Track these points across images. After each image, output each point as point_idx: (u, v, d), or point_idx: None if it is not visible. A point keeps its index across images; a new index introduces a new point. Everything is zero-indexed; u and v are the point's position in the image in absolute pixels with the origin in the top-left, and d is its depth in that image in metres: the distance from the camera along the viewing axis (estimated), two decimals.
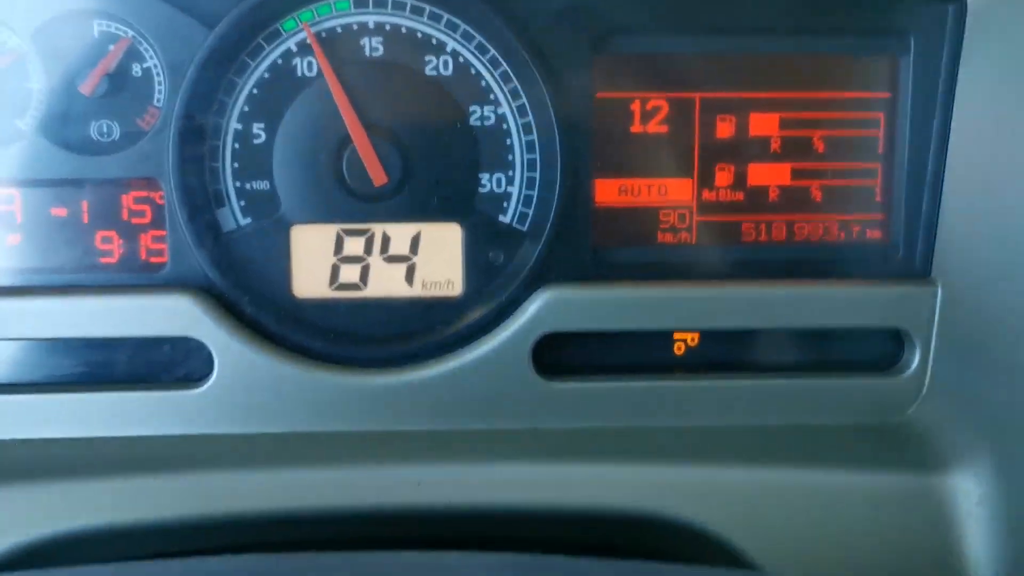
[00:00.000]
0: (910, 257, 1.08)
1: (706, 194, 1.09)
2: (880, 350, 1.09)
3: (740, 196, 1.09)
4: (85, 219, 1.04)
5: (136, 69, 1.02)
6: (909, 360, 1.07)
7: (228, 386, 1.02)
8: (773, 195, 1.09)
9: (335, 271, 1.06)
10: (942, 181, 1.05)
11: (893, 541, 0.94)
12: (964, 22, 1.03)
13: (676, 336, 1.10)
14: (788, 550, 0.94)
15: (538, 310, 1.03)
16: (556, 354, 1.06)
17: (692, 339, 1.10)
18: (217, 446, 1.00)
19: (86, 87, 1.01)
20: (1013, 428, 0.93)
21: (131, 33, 1.01)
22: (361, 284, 1.06)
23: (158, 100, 1.02)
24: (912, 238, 1.08)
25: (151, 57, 1.02)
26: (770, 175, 1.09)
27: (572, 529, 0.98)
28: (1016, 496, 0.92)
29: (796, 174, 1.09)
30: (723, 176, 1.09)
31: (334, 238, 1.05)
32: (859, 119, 1.09)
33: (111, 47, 1.01)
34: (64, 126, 1.02)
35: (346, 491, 0.96)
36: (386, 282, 1.06)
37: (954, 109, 1.04)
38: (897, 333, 1.08)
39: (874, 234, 1.10)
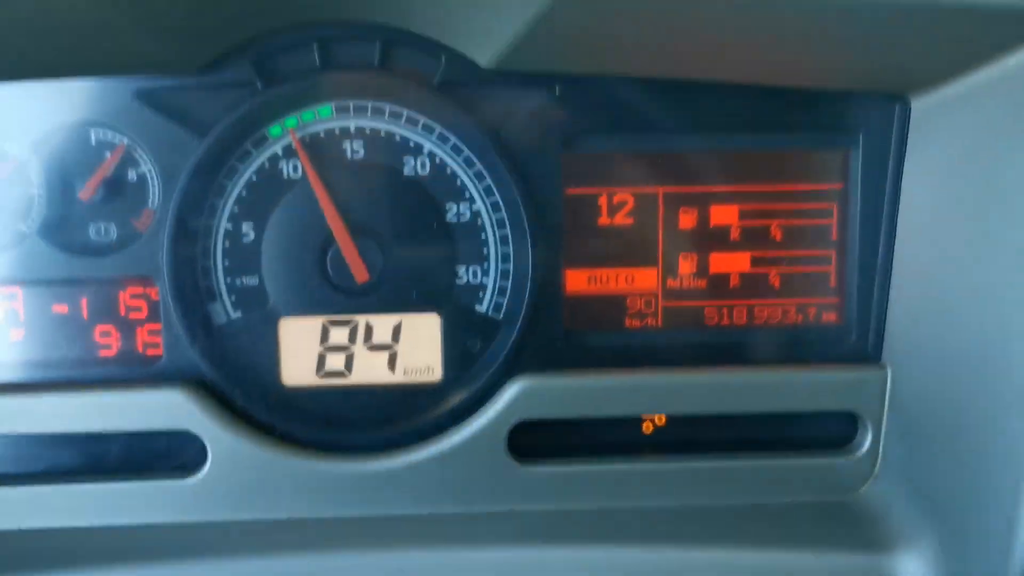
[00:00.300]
0: (863, 341, 1.15)
1: (670, 282, 1.15)
2: (835, 431, 1.15)
3: (703, 283, 1.16)
4: (85, 315, 1.10)
5: (131, 174, 1.08)
6: (861, 441, 1.13)
7: (221, 475, 1.08)
8: (734, 281, 1.16)
9: (321, 360, 1.12)
10: (890, 269, 1.12)
11: None
12: (908, 121, 1.10)
13: (645, 418, 1.16)
14: None
15: (513, 398, 1.09)
16: (530, 438, 1.12)
17: (660, 420, 1.17)
18: (211, 534, 1.06)
19: (84, 192, 1.07)
20: (955, 511, 0.99)
21: (126, 141, 1.07)
22: (346, 371, 1.12)
23: (153, 203, 1.09)
24: (864, 323, 1.14)
25: (145, 163, 1.08)
26: (731, 263, 1.16)
27: None
28: None
29: (755, 261, 1.16)
30: (686, 264, 1.15)
31: (320, 329, 1.11)
32: (814, 209, 1.15)
33: (108, 154, 1.07)
34: (64, 229, 1.08)
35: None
36: (370, 369, 1.12)
37: (900, 201, 1.11)
38: (852, 415, 1.14)
39: (830, 317, 1.17)
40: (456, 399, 1.12)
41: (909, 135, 1.10)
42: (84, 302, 1.10)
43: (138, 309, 1.11)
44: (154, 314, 1.10)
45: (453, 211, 1.11)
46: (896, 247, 1.12)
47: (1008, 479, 0.90)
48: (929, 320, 1.07)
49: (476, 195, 1.11)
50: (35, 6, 0.85)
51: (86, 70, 1.03)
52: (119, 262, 1.09)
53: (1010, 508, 0.90)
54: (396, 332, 1.12)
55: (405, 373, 1.13)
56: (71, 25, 0.91)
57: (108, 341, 1.11)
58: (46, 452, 1.11)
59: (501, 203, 1.11)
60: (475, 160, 1.10)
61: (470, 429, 1.10)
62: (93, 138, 1.08)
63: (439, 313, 1.12)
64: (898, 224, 1.11)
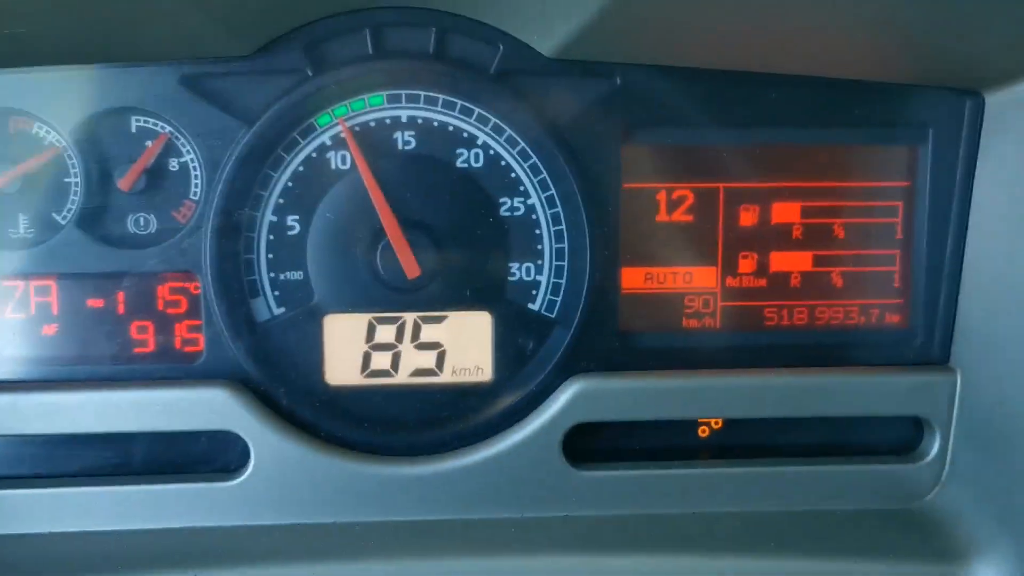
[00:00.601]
0: (928, 344, 1.11)
1: (730, 281, 1.11)
2: (899, 436, 1.12)
3: (763, 282, 1.12)
4: (121, 310, 1.06)
5: (173, 164, 1.04)
6: (928, 447, 1.09)
7: (264, 477, 1.03)
8: (795, 281, 1.12)
9: (367, 359, 1.08)
10: (960, 270, 1.08)
11: None
12: (982, 117, 1.06)
13: (701, 422, 1.12)
14: None
15: (569, 400, 1.05)
16: (585, 441, 1.08)
17: (716, 423, 1.13)
18: (252, 538, 1.02)
19: (124, 182, 1.03)
20: None
21: (168, 129, 1.03)
22: (392, 371, 1.08)
23: (195, 194, 1.04)
24: (931, 325, 1.11)
25: (188, 152, 1.04)
26: (792, 262, 1.12)
27: None
28: None
29: (817, 261, 1.12)
30: (746, 263, 1.11)
31: (366, 326, 1.07)
32: (879, 207, 1.11)
33: (149, 143, 1.03)
34: (102, 220, 1.04)
35: None
36: (417, 369, 1.08)
37: (972, 200, 1.07)
38: (917, 420, 1.10)
39: (893, 319, 1.13)
40: (508, 400, 1.08)
41: (983, 132, 1.06)
42: (120, 296, 1.06)
43: (176, 304, 1.06)
44: (194, 310, 1.06)
45: (507, 205, 1.07)
46: (967, 248, 1.08)
47: None
48: (1002, 323, 1.03)
49: (531, 189, 1.07)
50: (87, 7, 0.81)
51: (131, 56, 0.99)
52: (158, 256, 1.05)
53: None
54: (445, 331, 1.08)
55: (454, 373, 1.08)
56: (119, 9, 0.86)
57: (145, 337, 1.06)
58: (80, 452, 1.07)
59: (557, 198, 1.07)
60: (531, 153, 1.06)
61: (524, 431, 1.06)
62: (134, 126, 1.03)
63: (490, 311, 1.08)
64: (969, 224, 1.07)
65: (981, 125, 1.06)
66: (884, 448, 1.12)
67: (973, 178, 1.07)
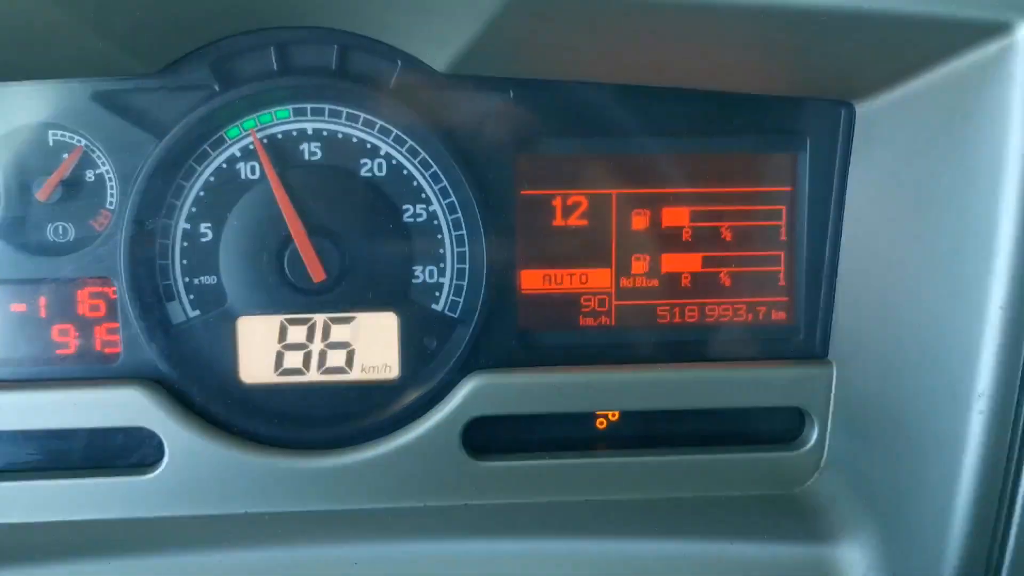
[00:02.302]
0: (810, 339, 1.18)
1: (624, 281, 1.18)
2: (783, 426, 1.19)
3: (655, 282, 1.18)
4: (43, 314, 1.11)
5: (89, 175, 1.09)
6: (808, 435, 1.16)
7: (178, 471, 1.09)
8: (685, 281, 1.19)
9: (279, 358, 1.13)
10: (836, 269, 1.15)
11: None
12: (853, 125, 1.13)
13: (598, 414, 1.19)
14: None
15: (468, 395, 1.11)
16: (484, 434, 1.14)
17: (613, 415, 1.19)
18: (168, 529, 1.07)
19: (42, 193, 1.08)
20: (895, 503, 1.02)
21: (84, 142, 1.08)
22: (304, 369, 1.14)
23: (110, 204, 1.10)
24: (812, 321, 1.17)
25: (103, 164, 1.09)
26: (682, 263, 1.18)
27: None
28: (899, 566, 1.02)
29: (706, 261, 1.19)
30: (639, 265, 1.18)
31: (278, 327, 1.13)
32: (763, 211, 1.18)
33: (65, 155, 1.08)
34: (21, 229, 1.09)
35: (288, 570, 1.03)
36: (328, 367, 1.14)
37: (846, 203, 1.14)
38: (799, 410, 1.17)
39: (779, 316, 1.20)
40: (412, 396, 1.14)
41: (854, 139, 1.13)
42: (42, 301, 1.11)
43: (96, 308, 1.12)
44: (112, 313, 1.11)
45: (410, 212, 1.13)
46: (842, 248, 1.15)
47: (942, 474, 0.93)
48: (872, 319, 1.10)
49: (432, 196, 1.13)
50: (4, 10, 0.86)
51: (43, 73, 1.04)
52: (77, 262, 1.10)
53: (943, 501, 0.93)
54: (354, 330, 1.14)
55: (363, 371, 1.14)
56: (27, 29, 0.92)
57: (66, 340, 1.12)
58: (5, 448, 1.12)
59: (457, 204, 1.13)
60: (431, 162, 1.12)
61: (426, 425, 1.12)
62: (51, 139, 1.08)
63: (396, 312, 1.14)
64: (844, 225, 1.14)
65: (853, 133, 1.13)
66: (768, 437, 1.19)
67: (847, 182, 1.14)
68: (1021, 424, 0.90)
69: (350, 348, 1.14)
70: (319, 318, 1.13)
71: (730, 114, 1.15)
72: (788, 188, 1.17)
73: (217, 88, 1.07)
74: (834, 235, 1.15)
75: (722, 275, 1.19)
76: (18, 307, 1.11)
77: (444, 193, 1.13)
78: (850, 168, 1.13)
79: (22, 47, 0.97)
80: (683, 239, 1.18)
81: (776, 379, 1.16)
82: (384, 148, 1.12)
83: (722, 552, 1.07)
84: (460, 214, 1.13)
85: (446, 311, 1.15)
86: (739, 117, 1.15)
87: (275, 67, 1.08)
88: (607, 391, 1.14)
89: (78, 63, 1.02)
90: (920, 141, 1.01)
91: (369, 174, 1.12)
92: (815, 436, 1.16)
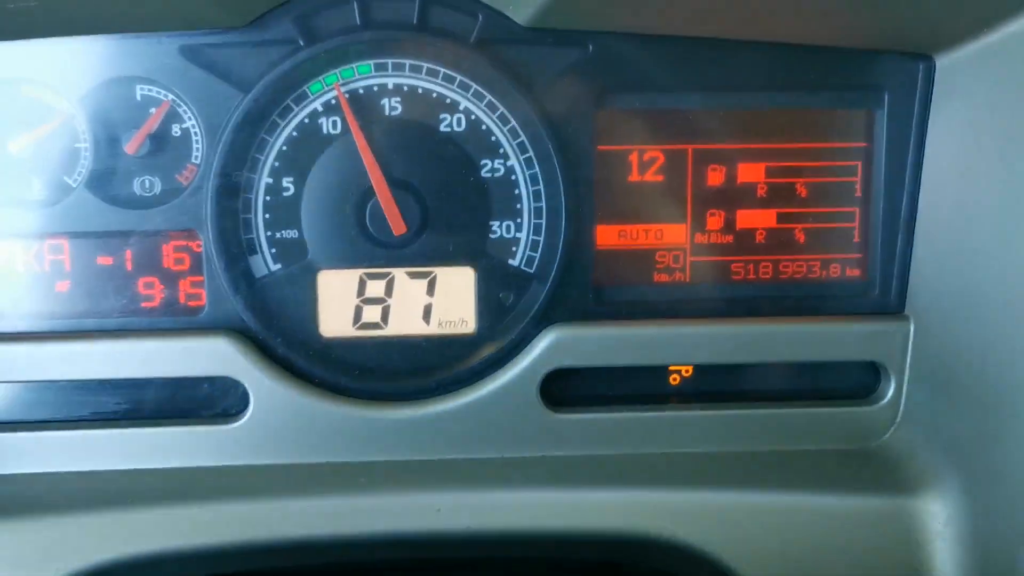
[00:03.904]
0: (886, 294, 1.18)
1: (699, 237, 1.18)
2: (858, 381, 1.19)
3: (730, 239, 1.19)
4: (129, 267, 1.13)
5: (176, 130, 1.11)
6: (884, 390, 1.16)
7: (262, 421, 1.11)
8: (760, 237, 1.19)
9: (358, 312, 1.15)
10: (914, 224, 1.15)
11: (868, 559, 1.04)
12: (933, 79, 1.12)
13: (671, 368, 1.20)
14: (773, 568, 1.03)
15: (545, 348, 1.13)
16: (562, 386, 1.15)
17: (686, 371, 1.20)
18: (252, 477, 1.10)
19: (130, 147, 1.10)
20: (977, 454, 1.03)
21: (171, 97, 1.10)
22: (382, 323, 1.16)
23: (196, 158, 1.12)
24: (887, 276, 1.18)
25: (189, 119, 1.11)
26: (757, 219, 1.19)
27: (580, 549, 1.08)
28: (980, 517, 1.02)
29: (781, 218, 1.19)
30: (714, 221, 1.18)
31: (357, 281, 1.15)
32: (838, 167, 1.18)
33: (153, 110, 1.10)
34: (110, 182, 1.11)
35: (371, 517, 1.05)
36: (405, 321, 1.16)
37: (924, 159, 1.14)
38: (874, 365, 1.17)
39: (853, 272, 1.20)
40: (489, 350, 1.15)
41: (934, 93, 1.13)
42: (128, 254, 1.13)
43: (181, 261, 1.14)
44: (196, 266, 1.13)
45: (488, 167, 1.14)
46: (920, 203, 1.15)
47: (1021, 426, 0.94)
48: (952, 273, 1.10)
49: (510, 151, 1.14)
50: None
51: (132, 26, 1.06)
52: (163, 215, 1.12)
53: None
54: (431, 285, 1.15)
55: (440, 325, 1.16)
56: None
57: (151, 292, 1.14)
58: (93, 398, 1.14)
59: (534, 159, 1.14)
60: (509, 117, 1.13)
61: (504, 378, 1.13)
62: (139, 94, 1.10)
63: (473, 267, 1.15)
64: (922, 181, 1.14)
65: (932, 87, 1.13)
66: (845, 392, 1.19)
67: (925, 138, 1.14)
68: None
69: (428, 302, 1.15)
70: (398, 272, 1.15)
71: (807, 68, 1.15)
72: (864, 144, 1.17)
73: (301, 43, 1.09)
74: (911, 191, 1.15)
75: (797, 231, 1.19)
76: (104, 260, 1.13)
77: (522, 148, 1.14)
78: (929, 123, 1.13)
79: (117, 3, 0.99)
80: (758, 195, 1.18)
81: (851, 334, 1.16)
82: (463, 103, 1.13)
83: (803, 503, 1.08)
84: (537, 169, 1.14)
85: (523, 266, 1.16)
86: (816, 71, 1.15)
87: (357, 22, 1.09)
88: (682, 345, 1.15)
89: (166, 16, 1.04)
90: (1003, 94, 1.01)
91: (448, 129, 1.13)
92: (891, 391, 1.16)
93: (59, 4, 0.98)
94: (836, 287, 1.19)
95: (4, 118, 1.09)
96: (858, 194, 1.18)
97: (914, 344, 1.15)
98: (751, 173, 1.18)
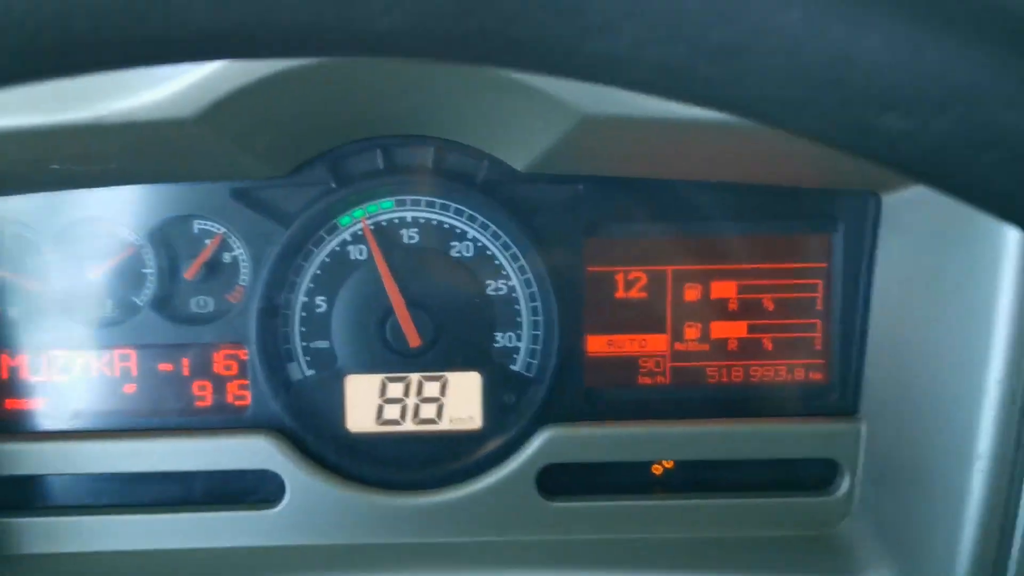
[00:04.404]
0: (844, 398, 1.33)
1: (678, 346, 1.35)
2: (819, 475, 1.34)
3: (706, 347, 1.35)
4: (186, 373, 1.32)
5: (227, 258, 1.30)
6: (840, 484, 1.32)
7: (297, 507, 1.29)
8: (732, 345, 1.35)
9: (380, 410, 1.33)
10: (866, 336, 1.31)
11: None
12: (880, 213, 1.29)
13: (655, 463, 1.36)
14: None
15: (542, 445, 1.29)
16: (556, 478, 1.32)
17: (668, 464, 1.36)
18: (287, 555, 1.27)
19: (188, 273, 1.30)
20: (913, 545, 1.17)
21: (223, 230, 1.30)
22: (400, 420, 1.33)
23: (243, 281, 1.31)
24: (845, 382, 1.33)
25: (238, 248, 1.30)
26: (729, 330, 1.35)
27: None
28: None
29: (751, 328, 1.35)
30: (691, 331, 1.35)
31: (379, 384, 1.32)
32: (802, 284, 1.34)
33: (208, 242, 1.30)
34: (171, 302, 1.31)
35: None
36: (420, 418, 1.33)
37: (874, 279, 1.30)
38: (832, 462, 1.33)
39: (816, 376, 1.36)
40: (493, 445, 1.32)
41: (881, 224, 1.29)
42: (185, 362, 1.32)
43: (229, 368, 1.33)
44: (242, 372, 1.32)
45: (492, 286, 1.32)
46: (871, 319, 1.31)
47: (949, 522, 1.09)
48: (896, 383, 1.25)
49: (512, 273, 1.32)
50: (163, 135, 1.08)
51: (193, 178, 1.26)
52: (215, 330, 1.31)
53: (950, 545, 1.09)
54: (443, 387, 1.33)
55: (451, 422, 1.33)
56: (188, 147, 1.13)
57: (204, 394, 1.33)
58: (153, 487, 1.33)
59: (533, 280, 1.31)
60: (511, 244, 1.31)
61: (505, 471, 1.30)
62: (196, 228, 1.30)
63: (480, 371, 1.33)
64: (872, 299, 1.30)
65: (879, 220, 1.29)
66: (806, 484, 1.35)
67: (874, 262, 1.30)
68: (1017, 480, 1.06)
69: (440, 402, 1.33)
70: (414, 377, 1.32)
71: (772, 202, 1.32)
72: (823, 265, 1.34)
73: (333, 185, 1.28)
74: (863, 307, 1.31)
75: (765, 340, 1.35)
76: (165, 367, 1.32)
77: (522, 271, 1.32)
78: (877, 250, 1.29)
79: (180, 159, 1.19)
80: (730, 309, 1.35)
81: (812, 433, 1.32)
82: (471, 233, 1.31)
83: None
84: (536, 288, 1.32)
85: (523, 371, 1.33)
86: (780, 205, 1.32)
87: (381, 167, 1.29)
88: (663, 442, 1.32)
89: (222, 170, 1.24)
90: (934, 232, 1.18)
91: (458, 255, 1.31)
92: (846, 484, 1.31)
93: (132, 159, 1.19)
94: (800, 390, 1.35)
95: (85, 249, 1.29)
96: (819, 307, 1.35)
97: (866, 444, 1.30)
98: (724, 290, 1.35)
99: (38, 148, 1.10)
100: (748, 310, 1.35)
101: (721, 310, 1.35)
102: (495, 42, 0.43)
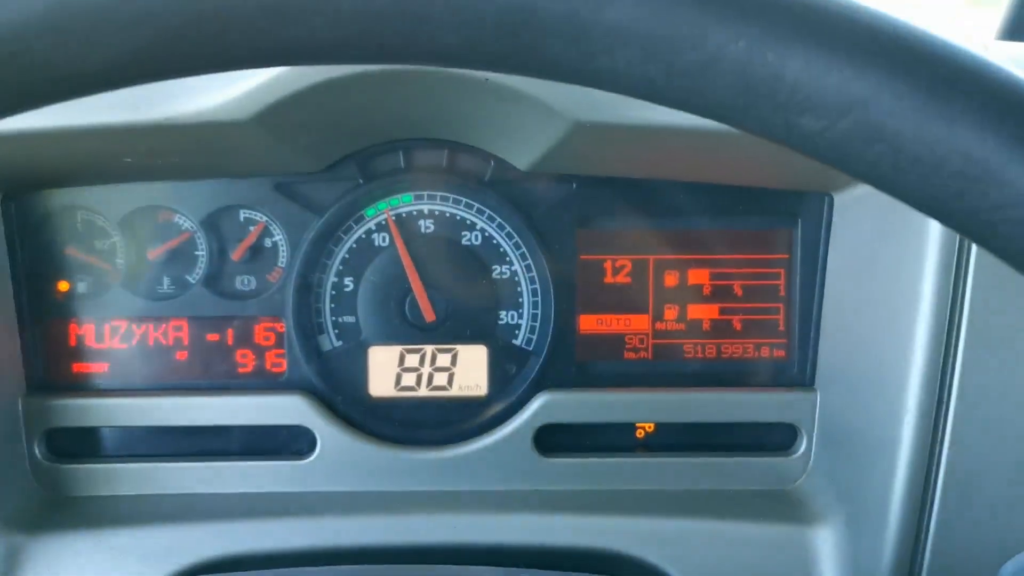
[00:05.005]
0: (802, 371, 1.53)
1: (658, 325, 1.55)
2: (780, 438, 1.53)
3: (683, 326, 1.55)
4: (230, 342, 1.52)
5: (268, 242, 1.50)
6: (798, 446, 1.51)
7: (326, 459, 1.48)
8: (706, 326, 1.55)
9: (398, 378, 1.52)
10: (821, 317, 1.51)
11: (773, 572, 1.39)
12: (832, 210, 1.49)
13: (637, 425, 1.56)
14: None
15: (539, 408, 1.49)
16: (552, 437, 1.51)
17: (649, 427, 1.56)
18: (317, 500, 1.47)
19: (235, 255, 1.50)
20: (860, 496, 1.37)
21: (265, 218, 1.50)
22: (416, 387, 1.53)
23: (281, 262, 1.51)
24: (803, 357, 1.53)
25: (278, 234, 1.50)
26: (704, 312, 1.55)
27: (560, 561, 1.43)
28: (856, 544, 1.36)
29: (723, 311, 1.55)
30: (670, 312, 1.55)
31: (398, 355, 1.52)
32: (766, 273, 1.54)
33: (252, 228, 1.50)
34: (219, 280, 1.51)
35: (404, 531, 1.42)
36: (433, 385, 1.53)
37: (827, 269, 1.50)
38: (792, 426, 1.52)
39: (779, 353, 1.55)
40: (497, 408, 1.52)
41: (833, 220, 1.49)
42: (230, 332, 1.52)
43: (268, 338, 1.52)
44: (279, 342, 1.52)
45: (497, 270, 1.52)
46: (824, 303, 1.50)
47: (885, 472, 1.29)
48: (845, 356, 1.45)
49: (514, 259, 1.52)
50: (222, 134, 1.28)
51: (242, 174, 1.46)
52: (256, 305, 1.51)
53: (885, 493, 1.28)
54: (454, 358, 1.52)
55: (460, 389, 1.53)
56: (242, 148, 1.34)
57: (245, 361, 1.52)
58: (200, 439, 1.52)
59: (533, 266, 1.51)
60: (514, 235, 1.51)
61: (507, 430, 1.49)
62: (242, 216, 1.50)
63: (486, 344, 1.53)
64: (826, 285, 1.50)
65: (832, 216, 1.49)
66: (770, 446, 1.54)
67: (827, 253, 1.50)
68: (940, 432, 1.25)
69: (451, 371, 1.53)
70: (428, 348, 1.52)
71: (741, 201, 1.51)
72: (785, 256, 1.53)
73: (361, 181, 1.48)
74: (819, 293, 1.50)
75: (735, 321, 1.55)
76: (213, 336, 1.52)
77: (523, 257, 1.51)
78: (830, 243, 1.49)
79: (231, 156, 1.40)
80: (704, 293, 1.54)
81: (775, 402, 1.51)
82: (480, 224, 1.51)
83: (728, 528, 1.43)
84: (535, 273, 1.51)
85: (523, 345, 1.53)
86: (748, 203, 1.51)
87: (402, 165, 1.49)
88: (645, 407, 1.51)
89: (266, 166, 1.44)
90: (875, 226, 1.38)
91: (468, 243, 1.51)
92: (803, 446, 1.50)
93: (194, 163, 1.39)
94: (765, 364, 1.55)
95: (146, 234, 1.49)
96: (782, 293, 1.54)
97: (820, 410, 1.50)
98: (699, 277, 1.54)
99: (116, 144, 1.31)
100: (720, 294, 1.54)
101: (696, 294, 1.54)
102: (525, 59, 0.61)
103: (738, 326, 1.55)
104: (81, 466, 1.50)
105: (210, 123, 1.26)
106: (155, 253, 1.50)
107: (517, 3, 0.57)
